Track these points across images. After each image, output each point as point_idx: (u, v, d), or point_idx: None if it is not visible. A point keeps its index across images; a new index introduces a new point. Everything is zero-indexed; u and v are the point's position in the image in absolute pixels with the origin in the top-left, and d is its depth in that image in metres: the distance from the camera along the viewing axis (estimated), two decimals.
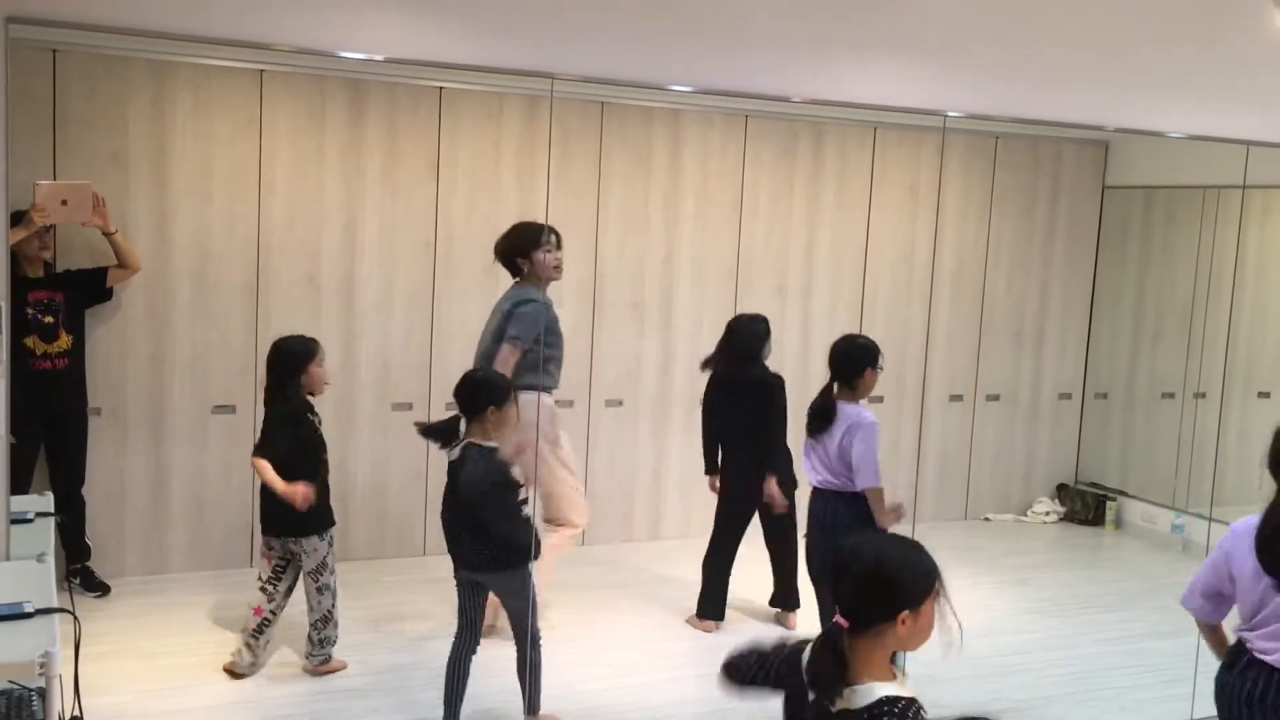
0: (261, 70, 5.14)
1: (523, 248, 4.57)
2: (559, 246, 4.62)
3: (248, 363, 5.26)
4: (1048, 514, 6.89)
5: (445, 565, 5.37)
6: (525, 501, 3.84)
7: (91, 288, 4.87)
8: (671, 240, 5.98)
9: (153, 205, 5.05)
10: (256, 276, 5.25)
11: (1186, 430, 6.44)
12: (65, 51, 4.83)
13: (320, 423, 4.36)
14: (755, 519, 5.06)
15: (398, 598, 5.13)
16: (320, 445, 4.31)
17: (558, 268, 4.59)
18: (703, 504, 6.19)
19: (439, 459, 5.57)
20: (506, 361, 4.42)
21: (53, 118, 4.84)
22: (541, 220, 4.72)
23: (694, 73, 3.62)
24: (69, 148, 4.88)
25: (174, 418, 5.17)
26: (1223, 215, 6.19)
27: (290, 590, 4.32)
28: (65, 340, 4.78)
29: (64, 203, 4.61)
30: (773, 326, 6.22)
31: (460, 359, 5.60)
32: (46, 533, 3.11)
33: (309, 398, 4.28)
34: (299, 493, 4.11)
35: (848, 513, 4.17)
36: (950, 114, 3.95)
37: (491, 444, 3.80)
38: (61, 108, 4.86)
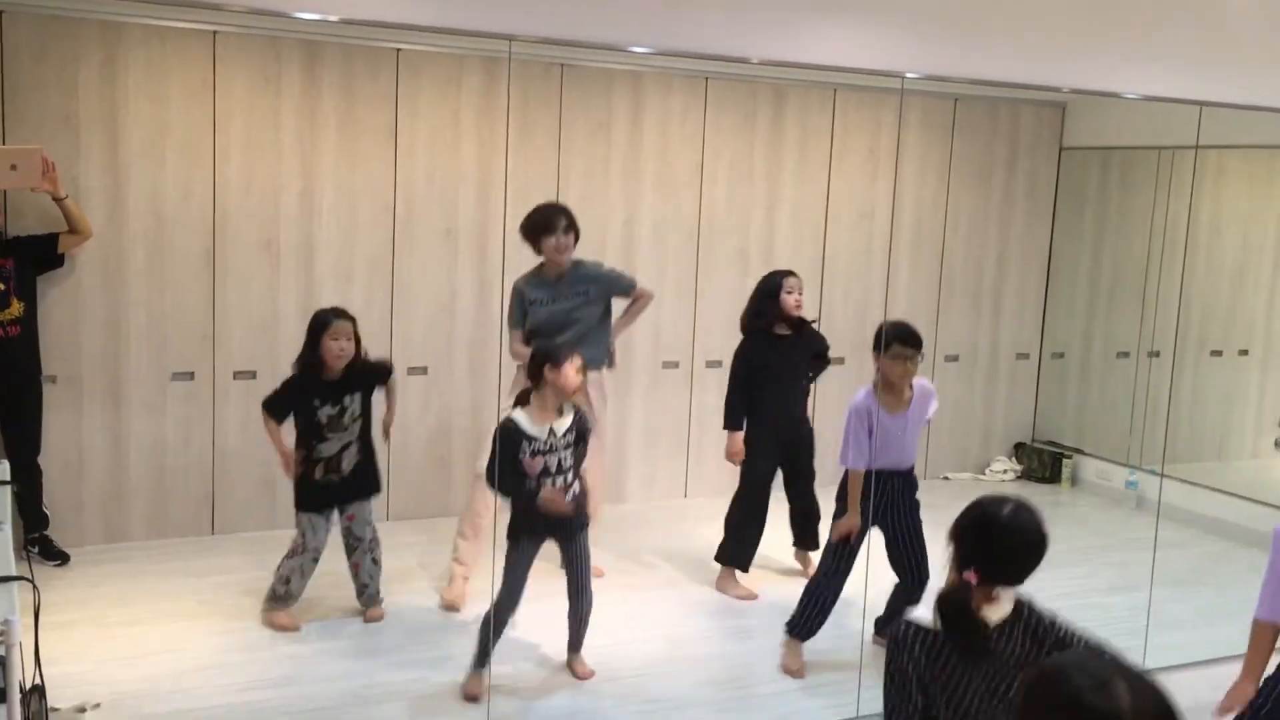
0: (215, 31, 5.06)
1: (532, 232, 4.72)
2: (571, 228, 4.72)
3: (205, 329, 5.21)
4: (1005, 472, 6.99)
5: (409, 530, 5.41)
6: (531, 490, 3.95)
7: (43, 254, 4.80)
8: (632, 204, 5.97)
9: (105, 169, 4.98)
10: (213, 242, 5.19)
11: (1141, 389, 6.55)
12: (12, 13, 4.73)
13: (350, 416, 4.44)
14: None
15: None
16: (314, 430, 4.40)
17: (557, 249, 4.69)
18: (666, 467, 6.24)
19: (401, 422, 5.54)
20: (511, 350, 4.79)
21: (0, 81, 4.74)
22: (549, 202, 4.89)
23: (654, 33, 3.61)
24: (18, 111, 4.79)
25: (131, 385, 5.12)
26: (1176, 176, 6.27)
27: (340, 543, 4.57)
28: (17, 307, 4.72)
29: (13, 167, 4.53)
30: (735, 290, 6.25)
31: (421, 323, 5.60)
32: (3, 501, 3.08)
33: (329, 375, 4.40)
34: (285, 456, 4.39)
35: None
36: (908, 75, 3.96)
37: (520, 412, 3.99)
38: (10, 70, 4.76)
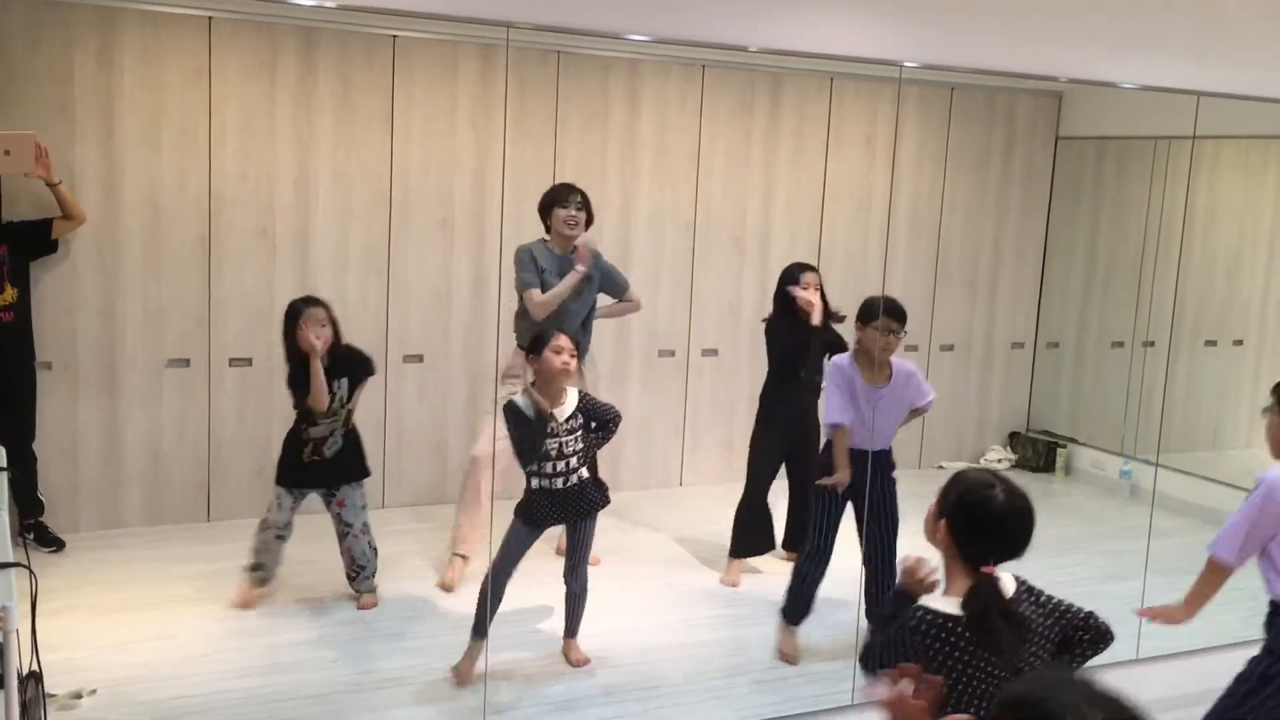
0: (210, 17, 5.04)
1: (546, 204, 4.81)
2: (584, 207, 4.82)
3: (201, 316, 5.20)
4: (999, 461, 7.00)
5: (404, 517, 5.42)
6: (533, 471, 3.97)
7: (37, 239, 4.79)
8: (629, 192, 5.96)
9: (101, 156, 4.96)
10: (209, 229, 5.18)
11: (1135, 378, 6.57)
12: None
13: (338, 400, 4.46)
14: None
15: None
16: (305, 415, 4.43)
17: (567, 222, 4.76)
18: (661, 456, 6.25)
19: (397, 410, 5.59)
20: (534, 305, 4.71)
21: None
22: (567, 180, 4.96)
23: (651, 21, 3.60)
24: (12, 97, 4.77)
25: (126, 371, 5.12)
26: (1173, 166, 6.27)
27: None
28: (10, 293, 4.71)
29: (6, 153, 4.50)
30: (731, 279, 6.26)
31: (417, 311, 5.59)
32: None
33: (314, 358, 4.40)
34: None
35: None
36: (906, 64, 3.96)
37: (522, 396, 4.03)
38: (4, 56, 4.74)
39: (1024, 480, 6.48)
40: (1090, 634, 2.48)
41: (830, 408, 4.29)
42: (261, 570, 4.48)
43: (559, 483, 4.01)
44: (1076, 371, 7.15)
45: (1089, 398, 7.08)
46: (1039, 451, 6.97)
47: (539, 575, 4.20)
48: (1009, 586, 2.38)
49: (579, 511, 4.08)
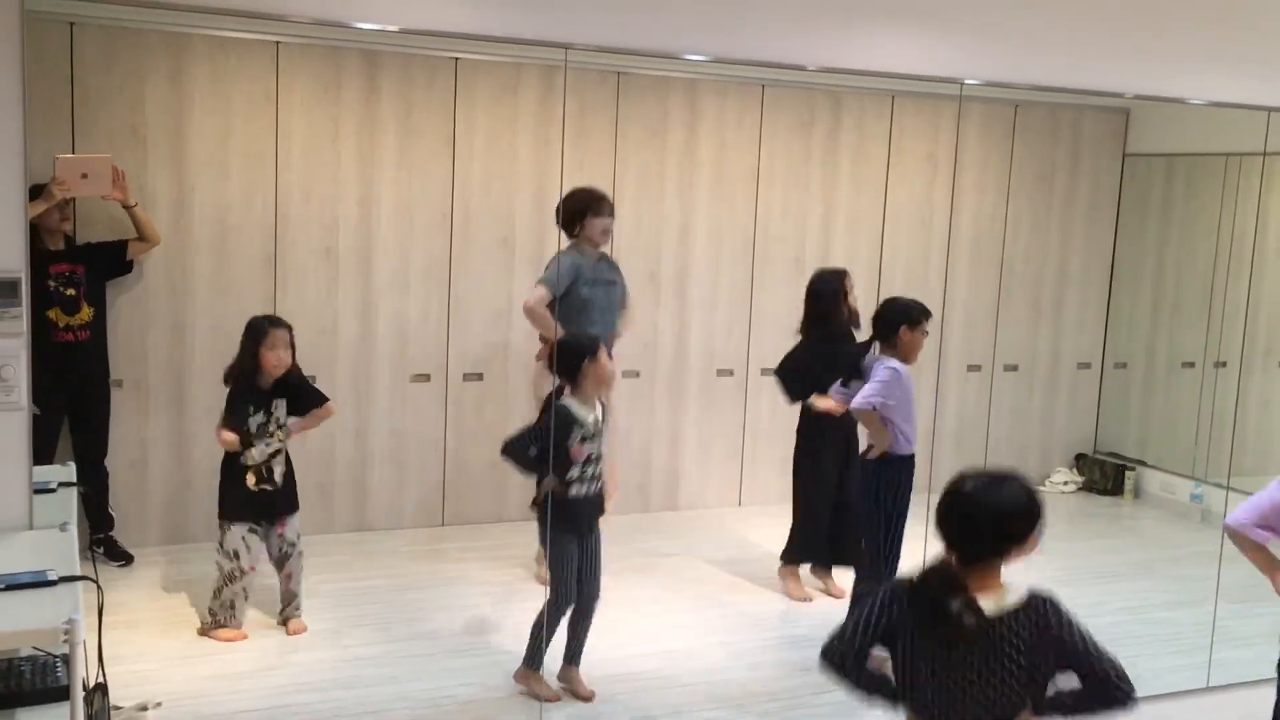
0: (277, 42, 5.14)
1: (579, 213, 4.79)
2: (611, 214, 4.88)
3: None
4: (1066, 484, 6.88)
5: (463, 535, 5.45)
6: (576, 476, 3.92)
7: (112, 260, 4.91)
8: (688, 211, 5.97)
9: (171, 178, 5.07)
10: (275, 249, 5.27)
11: (1206, 400, 6.41)
12: (82, 24, 4.84)
13: (275, 422, 4.38)
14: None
15: (417, 568, 5.17)
16: (243, 437, 4.34)
17: (604, 232, 4.83)
18: (719, 475, 6.22)
19: (456, 429, 5.63)
20: (533, 300, 4.68)
21: (71, 91, 4.85)
22: (593, 186, 4.95)
23: (710, 41, 3.61)
24: (87, 121, 4.90)
25: (195, 388, 5.21)
26: (1244, 183, 6.13)
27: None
28: (87, 313, 4.82)
29: (84, 176, 4.63)
30: (789, 297, 6.21)
31: (478, 330, 5.64)
32: (69, 502, 3.14)
33: (265, 384, 4.35)
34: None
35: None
36: (968, 81, 3.92)
37: (570, 399, 3.96)
38: (79, 81, 4.87)
39: (1091, 504, 6.35)
40: (1090, 684, 2.28)
41: (868, 395, 4.20)
42: (236, 620, 4.37)
43: (593, 488, 3.98)
44: (1145, 392, 7.01)
45: (1158, 419, 6.93)
46: (1107, 474, 6.84)
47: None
48: (1008, 598, 2.26)
49: (598, 514, 4.04)
